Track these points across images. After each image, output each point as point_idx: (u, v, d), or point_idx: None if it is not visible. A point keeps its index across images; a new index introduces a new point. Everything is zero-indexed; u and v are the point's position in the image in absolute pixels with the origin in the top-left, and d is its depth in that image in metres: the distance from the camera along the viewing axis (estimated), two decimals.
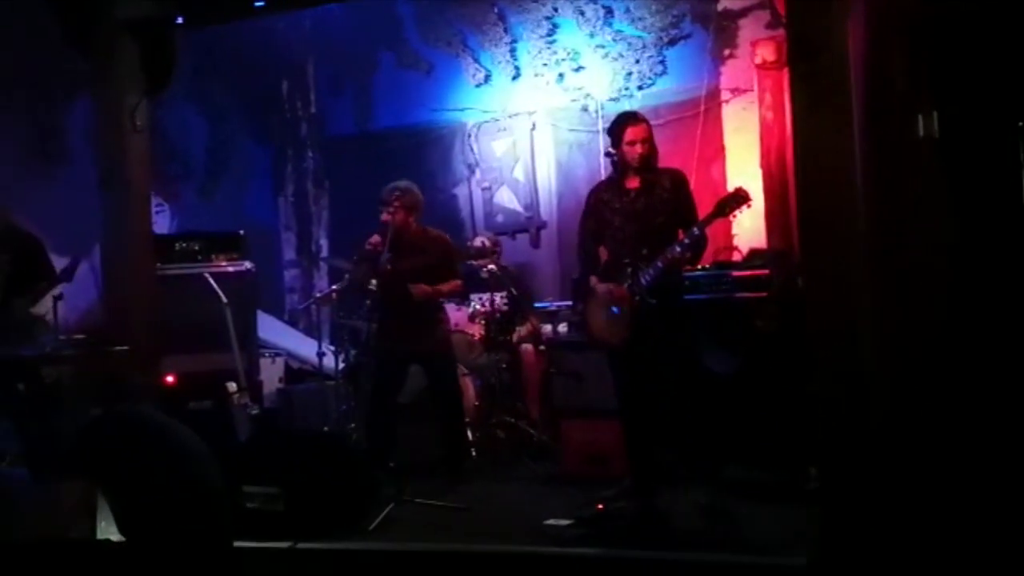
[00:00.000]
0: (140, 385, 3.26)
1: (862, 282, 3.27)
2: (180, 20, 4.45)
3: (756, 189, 5.43)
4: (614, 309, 4.03)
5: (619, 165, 4.14)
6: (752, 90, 5.93)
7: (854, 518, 3.06)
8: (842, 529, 3.08)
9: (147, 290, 4.53)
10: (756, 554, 3.39)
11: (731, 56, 6.28)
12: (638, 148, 4.06)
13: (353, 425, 5.40)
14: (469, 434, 5.23)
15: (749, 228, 5.71)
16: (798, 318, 3.70)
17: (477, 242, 6.23)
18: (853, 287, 3.23)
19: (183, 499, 2.85)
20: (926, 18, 3.22)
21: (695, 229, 3.93)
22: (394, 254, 4.66)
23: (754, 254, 5.06)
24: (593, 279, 4.19)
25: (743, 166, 5.99)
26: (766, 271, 4.60)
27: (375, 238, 4.77)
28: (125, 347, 4.14)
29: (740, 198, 3.92)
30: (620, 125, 4.13)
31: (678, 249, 3.92)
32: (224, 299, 5.09)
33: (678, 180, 4.18)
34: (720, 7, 6.30)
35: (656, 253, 3.96)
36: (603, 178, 4.83)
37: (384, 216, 4.76)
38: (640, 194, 4.10)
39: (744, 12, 6.22)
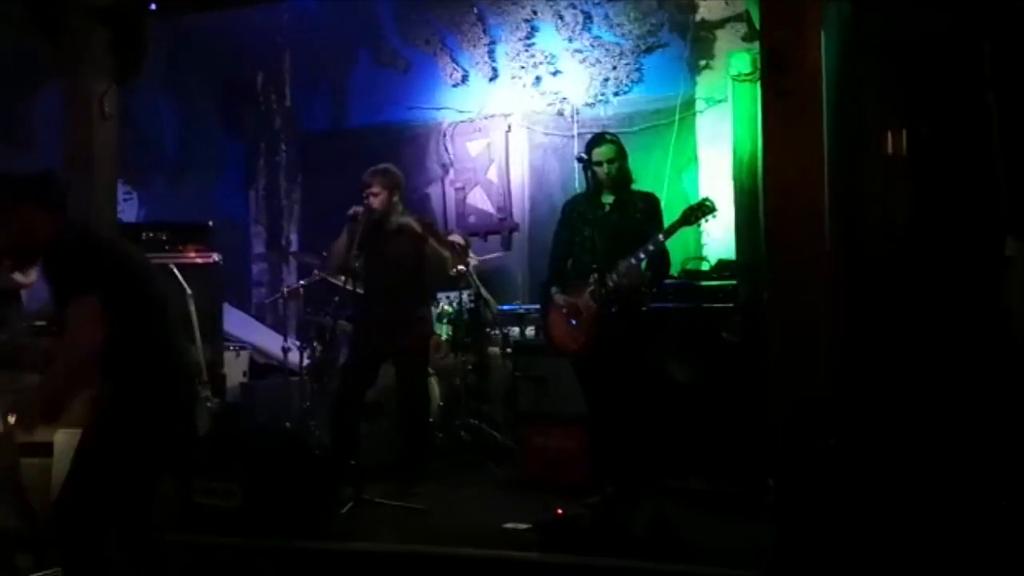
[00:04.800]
0: None
1: (825, 298, 3.30)
2: (153, 7, 4.39)
3: (727, 200, 5.46)
4: (573, 321, 4.12)
5: (593, 181, 4.23)
6: (727, 101, 5.97)
7: (808, 533, 3.08)
8: (795, 544, 3.10)
9: None
10: (712, 565, 3.39)
11: (707, 67, 6.31)
12: (605, 168, 4.16)
13: (315, 422, 5.35)
14: (432, 435, 5.21)
15: (719, 239, 5.75)
16: (763, 330, 3.72)
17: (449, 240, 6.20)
18: (816, 302, 3.26)
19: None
20: (896, 38, 3.26)
21: (660, 236, 4.00)
22: (378, 238, 4.63)
23: (722, 265, 5.07)
24: (553, 289, 4.27)
25: (715, 177, 6.01)
26: (733, 282, 4.62)
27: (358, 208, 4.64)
28: None
29: (706, 208, 4.01)
30: (588, 146, 4.27)
31: (641, 255, 4.00)
32: (188, 290, 5.03)
33: (652, 204, 4.30)
34: (697, 17, 6.33)
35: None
36: (579, 190, 4.88)
37: (367, 201, 4.65)
38: (614, 210, 4.22)
39: (721, 23, 6.25)
